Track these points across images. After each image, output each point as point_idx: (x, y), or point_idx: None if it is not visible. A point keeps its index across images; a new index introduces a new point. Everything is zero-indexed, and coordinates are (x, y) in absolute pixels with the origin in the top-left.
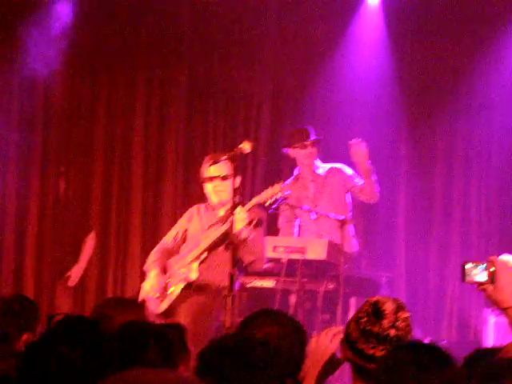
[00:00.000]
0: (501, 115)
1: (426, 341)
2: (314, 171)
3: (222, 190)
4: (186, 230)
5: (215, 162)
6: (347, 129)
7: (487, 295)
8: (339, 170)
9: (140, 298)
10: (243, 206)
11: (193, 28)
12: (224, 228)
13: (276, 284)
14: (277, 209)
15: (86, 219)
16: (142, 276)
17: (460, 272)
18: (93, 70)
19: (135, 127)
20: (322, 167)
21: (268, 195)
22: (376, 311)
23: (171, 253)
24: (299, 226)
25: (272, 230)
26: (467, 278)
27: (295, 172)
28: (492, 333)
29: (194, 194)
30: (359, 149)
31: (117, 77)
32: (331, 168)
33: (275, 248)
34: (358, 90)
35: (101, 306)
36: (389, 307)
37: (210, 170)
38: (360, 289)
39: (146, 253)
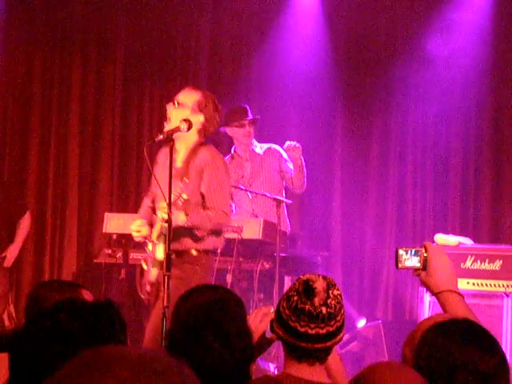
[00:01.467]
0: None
1: (360, 320)
2: (251, 150)
3: (168, 117)
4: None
5: (185, 88)
6: (282, 110)
7: (420, 280)
8: (276, 151)
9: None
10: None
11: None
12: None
13: None
14: None
15: (20, 199)
16: (79, 256)
17: (394, 258)
18: (28, 49)
19: (71, 105)
20: (260, 146)
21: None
22: (307, 289)
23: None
24: (235, 206)
25: None
26: (400, 265)
27: (232, 151)
28: (427, 312)
29: (129, 177)
30: (294, 152)
31: (52, 54)
32: (269, 148)
33: None
34: (294, 70)
35: (39, 288)
36: (320, 285)
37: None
38: (296, 268)
39: (82, 233)
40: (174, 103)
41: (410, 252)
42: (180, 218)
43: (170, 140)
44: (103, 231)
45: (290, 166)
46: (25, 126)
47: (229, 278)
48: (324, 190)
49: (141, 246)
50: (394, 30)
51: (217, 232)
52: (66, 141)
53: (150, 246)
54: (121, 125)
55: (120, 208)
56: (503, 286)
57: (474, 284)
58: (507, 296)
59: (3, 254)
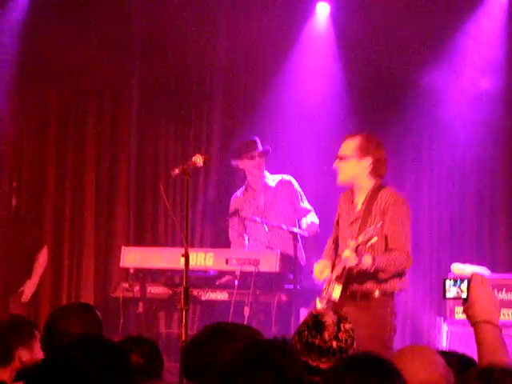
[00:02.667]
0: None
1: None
2: (263, 182)
3: (337, 170)
4: (337, 222)
5: (345, 140)
6: (296, 141)
7: (463, 310)
8: (289, 182)
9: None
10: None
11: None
12: (342, 265)
13: (229, 296)
14: (227, 221)
15: (38, 234)
16: (96, 290)
17: (442, 289)
18: (41, 84)
19: (87, 139)
20: (273, 178)
21: (367, 237)
22: (317, 323)
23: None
24: (249, 238)
25: (223, 242)
26: (447, 295)
27: (245, 183)
28: (445, 341)
29: (146, 211)
30: None
31: (66, 90)
32: (281, 179)
33: (228, 260)
34: (307, 102)
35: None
36: (329, 319)
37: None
38: (312, 300)
39: (99, 267)
40: (338, 158)
41: (455, 282)
42: (367, 262)
43: (185, 174)
44: (120, 265)
45: (306, 205)
46: (41, 162)
47: (246, 310)
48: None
49: (158, 279)
50: (407, 64)
51: (400, 274)
52: (83, 175)
53: (318, 304)
54: (136, 160)
55: (137, 242)
56: None
57: None
58: None
59: (21, 289)
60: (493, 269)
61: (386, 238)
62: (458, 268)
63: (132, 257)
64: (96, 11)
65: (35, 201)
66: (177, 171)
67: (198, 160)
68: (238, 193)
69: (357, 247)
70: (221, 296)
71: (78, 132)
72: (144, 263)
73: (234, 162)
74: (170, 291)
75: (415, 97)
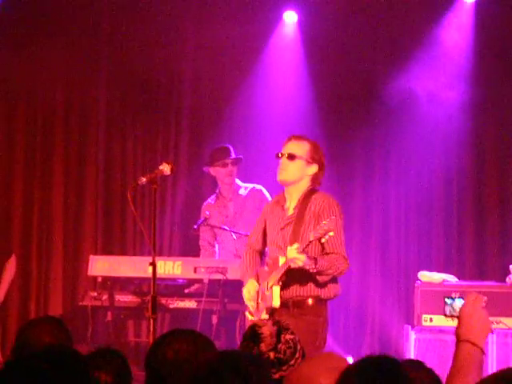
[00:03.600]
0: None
1: (348, 358)
2: (234, 190)
3: (284, 168)
4: (264, 229)
5: (292, 139)
6: (265, 149)
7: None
8: (259, 192)
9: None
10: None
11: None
12: (286, 266)
13: (198, 305)
14: (197, 229)
15: (5, 243)
16: (65, 298)
17: (442, 307)
18: (8, 96)
19: (54, 149)
20: (244, 187)
21: (323, 232)
22: (254, 335)
23: (261, 252)
24: (219, 246)
25: (193, 250)
26: (446, 313)
27: (216, 191)
28: (412, 349)
29: (114, 220)
30: None
31: (33, 102)
32: (253, 188)
33: (196, 269)
34: (275, 111)
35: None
36: (266, 330)
37: (285, 145)
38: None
39: (67, 276)
40: (286, 156)
41: (453, 300)
42: (310, 262)
43: (153, 183)
44: (88, 274)
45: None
46: (8, 171)
47: (214, 319)
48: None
49: (127, 288)
50: (375, 72)
51: (335, 279)
52: (51, 184)
53: (249, 317)
54: (104, 167)
55: (105, 251)
56: None
57: None
58: (492, 332)
59: None
60: (460, 276)
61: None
62: (426, 276)
63: (100, 265)
64: (63, 23)
65: (2, 210)
66: (144, 180)
67: (165, 168)
68: (210, 200)
69: (305, 247)
70: (189, 304)
71: (45, 142)
72: (112, 272)
73: (206, 169)
74: (139, 300)
75: (384, 105)
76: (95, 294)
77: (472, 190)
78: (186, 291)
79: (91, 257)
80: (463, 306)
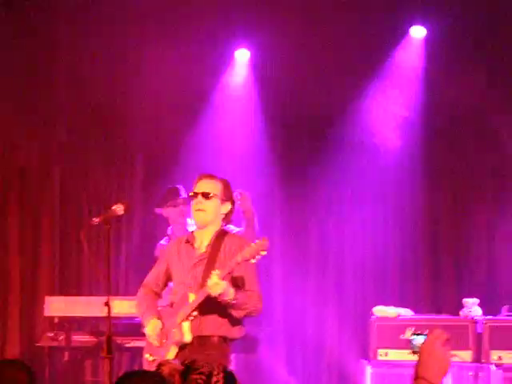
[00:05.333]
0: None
1: None
2: (186, 230)
3: (202, 208)
4: (165, 271)
5: (203, 178)
6: None
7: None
8: None
9: (152, 356)
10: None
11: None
12: (205, 293)
13: None
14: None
15: None
16: (22, 339)
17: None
18: None
19: (11, 185)
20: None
21: (253, 252)
22: None
23: (159, 295)
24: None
25: None
26: (411, 349)
27: (168, 231)
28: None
29: (71, 260)
30: (244, 198)
31: None
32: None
33: None
34: (228, 151)
35: None
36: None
37: (197, 184)
38: (239, 345)
39: (24, 317)
40: (202, 195)
41: (416, 336)
42: (230, 292)
43: (106, 223)
44: (44, 314)
45: (232, 227)
46: None
47: None
48: (264, 267)
49: (84, 328)
50: (329, 108)
51: (241, 320)
52: (6, 225)
53: (149, 358)
54: (60, 209)
55: (62, 291)
56: None
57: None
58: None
59: None
60: (416, 310)
61: (236, 279)
62: (381, 310)
63: (56, 306)
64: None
65: None
66: (97, 221)
67: (119, 209)
68: (163, 241)
69: (228, 273)
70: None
71: (1, 178)
72: (68, 312)
73: (158, 211)
74: (96, 339)
75: (336, 142)
76: (52, 334)
77: (427, 225)
78: (142, 330)
79: (47, 298)
80: (424, 343)
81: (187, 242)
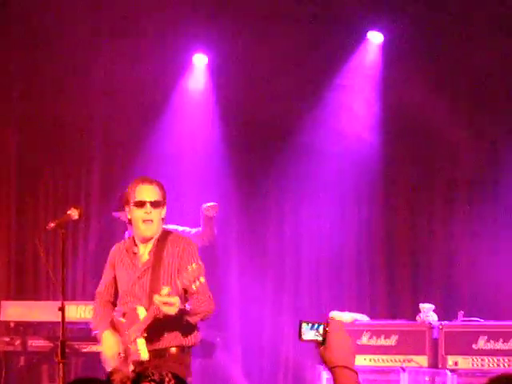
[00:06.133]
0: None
1: None
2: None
3: (152, 219)
4: (114, 277)
5: (145, 183)
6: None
7: (319, 353)
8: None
9: (108, 369)
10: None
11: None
12: (157, 311)
13: None
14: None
15: None
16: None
17: (297, 330)
18: None
19: None
20: None
21: (192, 277)
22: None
23: (113, 302)
24: None
25: None
26: (303, 337)
27: (126, 235)
28: None
29: (27, 264)
30: (212, 211)
31: None
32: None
33: None
34: (185, 155)
35: None
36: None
37: (141, 191)
38: (196, 350)
39: None
40: (153, 205)
41: (312, 326)
42: (175, 302)
43: (61, 228)
44: (0, 319)
45: (188, 230)
46: None
47: None
48: (221, 270)
49: (40, 332)
50: (286, 114)
51: (196, 326)
52: None
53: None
54: (16, 214)
55: (18, 296)
56: (400, 360)
57: (370, 360)
58: (404, 371)
59: None
60: (372, 315)
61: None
62: (337, 315)
63: (12, 311)
64: None
65: None
66: (52, 225)
67: (73, 213)
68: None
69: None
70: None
71: None
72: (24, 316)
73: (116, 214)
74: (52, 344)
75: (293, 150)
76: (8, 339)
77: (383, 229)
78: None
79: (3, 302)
80: (330, 332)
81: (127, 250)
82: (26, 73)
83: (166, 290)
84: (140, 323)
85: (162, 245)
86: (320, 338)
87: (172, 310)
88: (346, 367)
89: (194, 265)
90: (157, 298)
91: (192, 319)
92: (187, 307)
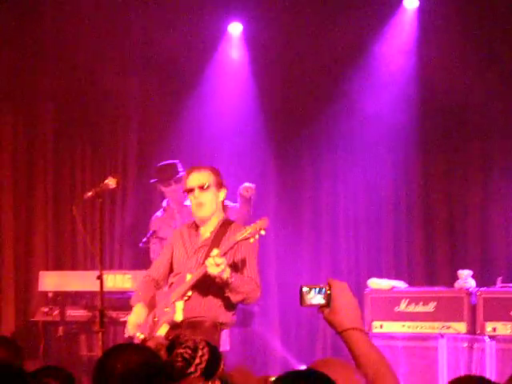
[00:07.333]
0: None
1: (301, 367)
2: (180, 202)
3: (202, 201)
4: (170, 258)
5: (194, 171)
6: (214, 160)
7: (324, 318)
8: None
9: (126, 334)
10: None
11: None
12: (202, 270)
13: None
14: (147, 242)
15: None
16: (17, 314)
17: (298, 296)
18: None
19: (3, 167)
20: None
21: (253, 230)
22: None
23: (159, 282)
24: None
25: (144, 264)
26: (305, 302)
27: (164, 204)
28: None
29: (64, 235)
30: (249, 192)
31: None
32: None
33: None
34: (224, 121)
35: None
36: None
37: (189, 179)
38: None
39: (19, 292)
40: (199, 188)
41: (314, 290)
42: (227, 272)
43: (99, 197)
44: (38, 289)
45: (226, 202)
46: None
47: None
48: (258, 241)
49: (78, 302)
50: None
51: (234, 307)
52: (0, 199)
53: (140, 336)
54: (53, 183)
55: (56, 266)
56: (438, 327)
57: (408, 327)
58: (442, 337)
59: None
60: (410, 282)
61: (236, 264)
62: (375, 283)
63: (50, 281)
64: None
65: None
66: (89, 194)
67: (111, 182)
68: (158, 213)
69: (228, 250)
70: None
71: None
72: (62, 287)
73: (153, 182)
74: (90, 314)
75: (332, 118)
76: (46, 309)
77: (420, 197)
78: None
79: (41, 272)
80: (335, 295)
81: (190, 227)
82: (60, 43)
83: (215, 251)
84: (183, 285)
85: (224, 228)
86: (324, 301)
87: (216, 270)
88: (356, 329)
89: (256, 222)
90: (208, 261)
91: (232, 296)
92: (232, 280)
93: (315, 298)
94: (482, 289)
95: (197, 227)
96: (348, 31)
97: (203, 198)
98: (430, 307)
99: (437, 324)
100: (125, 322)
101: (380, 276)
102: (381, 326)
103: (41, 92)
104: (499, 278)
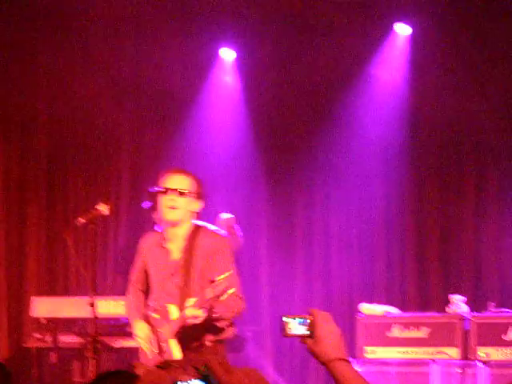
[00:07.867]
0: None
1: None
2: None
3: (176, 206)
4: (144, 268)
5: (177, 173)
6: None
7: (308, 348)
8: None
9: (151, 355)
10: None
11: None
12: (183, 321)
13: None
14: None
15: None
16: (10, 340)
17: (280, 326)
18: None
19: None
20: None
21: (222, 288)
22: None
23: (144, 292)
24: None
25: None
26: (287, 333)
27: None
28: None
29: (57, 260)
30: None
31: None
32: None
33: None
34: (215, 153)
35: None
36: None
37: (170, 179)
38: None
39: (11, 318)
40: (180, 193)
41: (296, 319)
42: (200, 315)
43: (91, 223)
44: (30, 315)
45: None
46: None
47: None
48: (250, 266)
49: (71, 329)
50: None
51: (230, 322)
52: None
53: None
54: (46, 207)
55: (49, 292)
56: (430, 352)
57: (401, 352)
58: (435, 362)
59: None
60: (402, 307)
61: (214, 282)
62: (367, 308)
63: (42, 307)
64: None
65: None
66: (82, 220)
67: (103, 208)
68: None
69: (206, 301)
70: (133, 343)
71: None
72: (55, 313)
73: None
74: (83, 340)
75: (325, 136)
76: (39, 335)
77: (413, 223)
78: (129, 330)
79: (33, 298)
80: (318, 325)
81: (157, 243)
82: (54, 71)
83: (191, 301)
84: (171, 324)
85: (193, 242)
86: (307, 332)
87: (197, 321)
88: (342, 359)
89: (222, 276)
90: (186, 313)
91: (220, 324)
92: (216, 315)
93: (298, 328)
94: (475, 314)
95: (165, 242)
96: (340, 57)
97: (179, 202)
98: (423, 333)
99: (429, 349)
100: (118, 349)
101: (372, 301)
102: (373, 352)
103: (34, 118)
104: (491, 303)
